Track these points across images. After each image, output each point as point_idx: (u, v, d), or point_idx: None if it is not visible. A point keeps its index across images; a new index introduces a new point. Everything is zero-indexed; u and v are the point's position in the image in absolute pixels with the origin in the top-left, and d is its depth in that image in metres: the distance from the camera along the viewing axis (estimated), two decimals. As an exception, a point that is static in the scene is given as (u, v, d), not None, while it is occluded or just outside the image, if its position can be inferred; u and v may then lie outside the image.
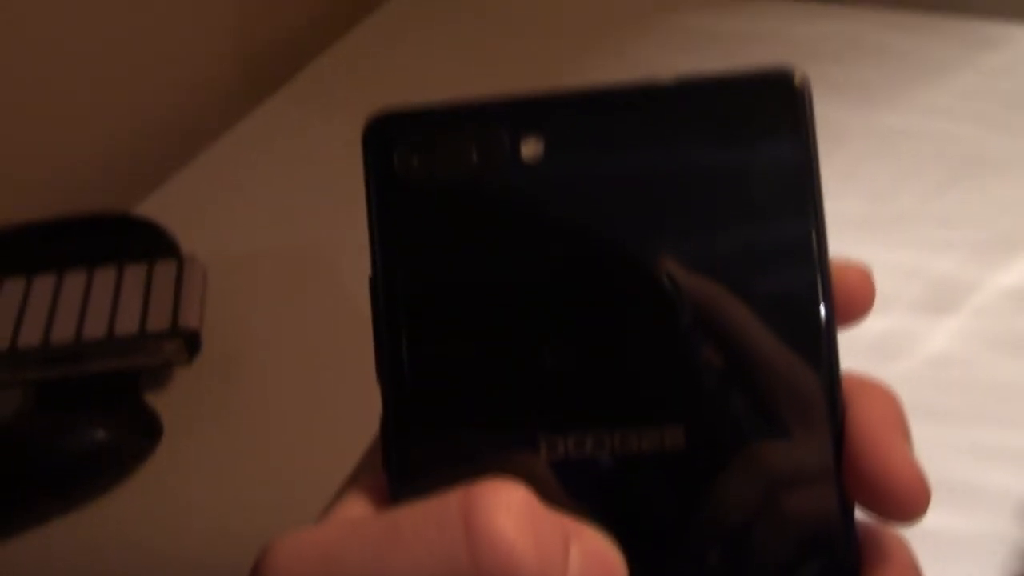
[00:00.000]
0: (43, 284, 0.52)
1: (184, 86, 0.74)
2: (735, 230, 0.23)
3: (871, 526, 0.23)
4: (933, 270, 0.52)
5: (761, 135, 0.23)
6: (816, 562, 0.23)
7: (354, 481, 0.24)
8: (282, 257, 0.58)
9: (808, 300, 0.23)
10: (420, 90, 0.69)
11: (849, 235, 0.55)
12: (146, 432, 0.48)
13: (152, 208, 0.61)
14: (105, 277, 0.52)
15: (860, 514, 0.23)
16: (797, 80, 0.24)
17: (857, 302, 0.24)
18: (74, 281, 0.52)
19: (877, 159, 0.59)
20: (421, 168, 0.24)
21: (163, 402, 0.49)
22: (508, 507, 0.19)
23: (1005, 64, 0.66)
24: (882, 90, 0.65)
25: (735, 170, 0.23)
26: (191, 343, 0.49)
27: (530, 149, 0.24)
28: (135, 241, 0.56)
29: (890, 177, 0.58)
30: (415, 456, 0.23)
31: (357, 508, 0.23)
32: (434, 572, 0.19)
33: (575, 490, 0.23)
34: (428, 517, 0.20)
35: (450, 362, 0.23)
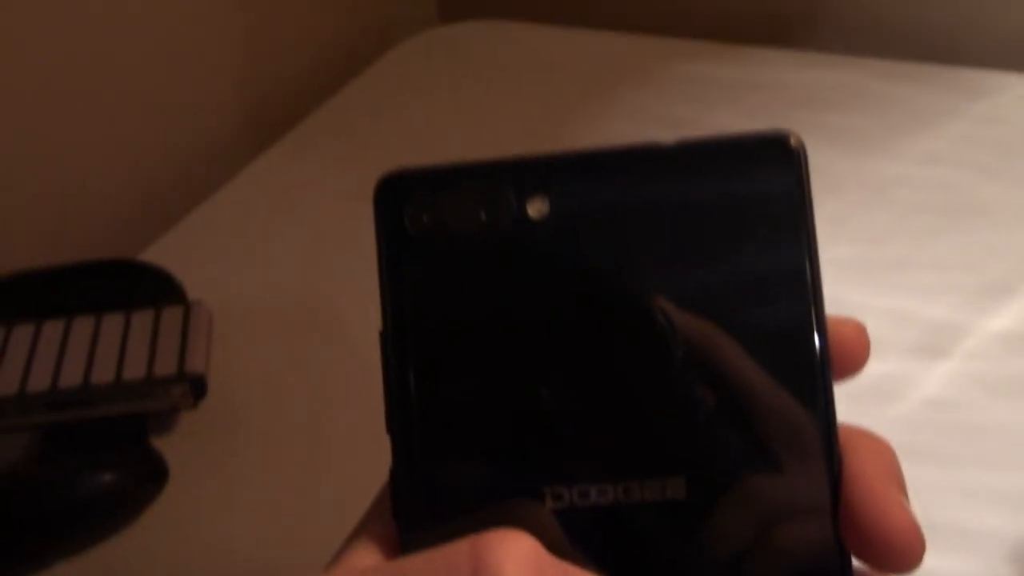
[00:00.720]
0: (52, 329, 0.53)
1: (189, 134, 0.75)
2: (735, 283, 0.24)
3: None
4: (926, 315, 0.52)
5: (759, 194, 0.24)
6: None
7: (363, 529, 0.24)
8: (287, 303, 0.59)
9: (805, 349, 0.24)
10: (420, 140, 0.71)
11: (844, 280, 0.56)
12: (152, 476, 0.48)
13: (158, 254, 0.62)
14: (113, 322, 0.53)
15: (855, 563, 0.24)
16: (793, 142, 0.24)
17: (853, 356, 0.24)
18: (82, 326, 0.53)
19: (871, 205, 0.60)
20: (431, 226, 0.25)
21: (169, 446, 0.50)
22: (516, 557, 0.20)
23: (997, 112, 0.67)
24: (877, 138, 0.66)
25: (734, 226, 0.24)
26: (197, 387, 0.50)
27: (536, 208, 0.24)
28: (142, 287, 0.57)
29: (884, 223, 0.59)
30: (424, 506, 0.24)
31: (366, 556, 0.23)
32: None
33: (579, 539, 0.23)
34: (437, 566, 0.20)
35: (458, 414, 0.24)
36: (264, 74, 0.80)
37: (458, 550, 0.20)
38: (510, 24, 0.85)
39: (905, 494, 0.23)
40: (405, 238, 0.25)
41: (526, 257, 0.24)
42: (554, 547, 0.21)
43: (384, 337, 0.25)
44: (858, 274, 0.55)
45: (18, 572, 0.46)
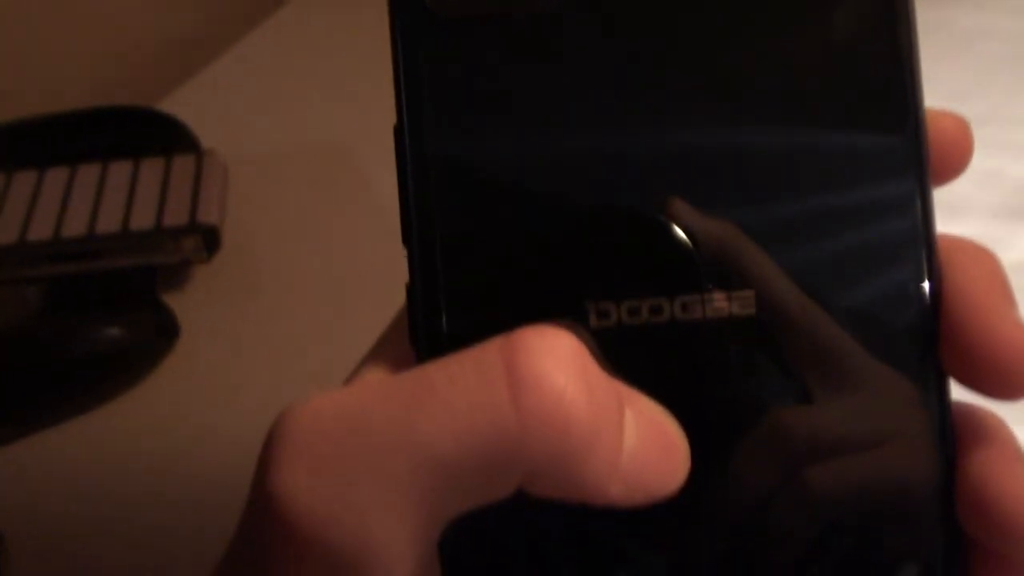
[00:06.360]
0: (55, 177, 0.49)
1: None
2: (817, 117, 0.20)
3: (965, 406, 0.21)
4: (1012, 174, 0.48)
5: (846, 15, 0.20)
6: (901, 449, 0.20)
7: (375, 354, 0.21)
8: (306, 154, 0.55)
9: (911, 221, 0.20)
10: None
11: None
12: (162, 331, 0.45)
13: (173, 106, 0.59)
14: (120, 171, 0.50)
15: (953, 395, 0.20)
16: None
17: (953, 154, 0.21)
18: (88, 174, 0.49)
19: (952, 60, 0.55)
20: (456, 2, 0.20)
21: (181, 301, 0.47)
22: (555, 352, 0.17)
23: (1089, -38, 0.61)
24: (956, -11, 0.60)
25: (821, 59, 0.20)
26: (210, 239, 0.47)
27: None
28: (153, 136, 0.53)
29: (965, 78, 0.54)
30: (446, 326, 0.20)
31: (380, 377, 0.20)
32: (473, 428, 0.16)
33: (627, 363, 0.19)
34: (464, 367, 0.17)
35: (485, 220, 0.20)
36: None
37: (488, 348, 0.17)
38: None
39: (1015, 307, 0.20)
40: (425, 18, 0.20)
41: (575, 40, 0.20)
42: None
43: (399, 133, 0.20)
44: (937, 131, 0.50)
45: (25, 429, 0.43)
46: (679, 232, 0.20)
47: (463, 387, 0.16)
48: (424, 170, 0.20)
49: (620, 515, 0.18)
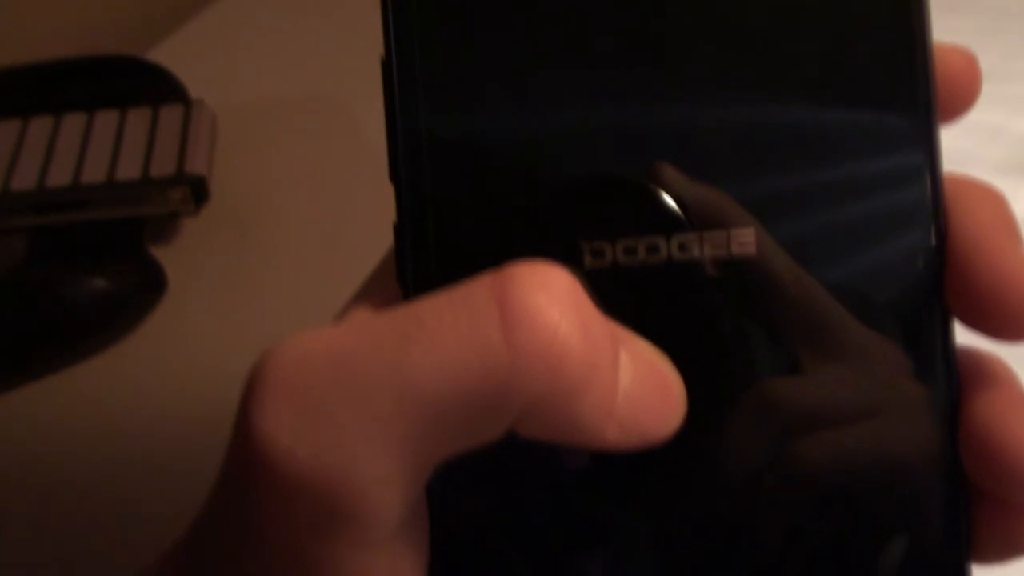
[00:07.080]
0: (39, 126, 0.48)
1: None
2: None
3: (970, 351, 0.20)
4: (1016, 129, 0.47)
5: None
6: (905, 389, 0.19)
7: (363, 294, 0.20)
8: (294, 105, 0.54)
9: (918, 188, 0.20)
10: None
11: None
12: (149, 284, 0.44)
13: (161, 55, 0.57)
14: (106, 120, 0.48)
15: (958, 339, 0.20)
16: None
17: (961, 90, 0.21)
18: (73, 124, 0.48)
19: (957, 13, 0.54)
20: None
21: (168, 253, 0.46)
22: (549, 287, 0.16)
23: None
24: (962, -59, 0.59)
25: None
26: (198, 191, 0.45)
27: None
28: (140, 85, 0.52)
29: (972, 32, 0.52)
30: (434, 264, 0.19)
31: (367, 315, 0.19)
32: (464, 365, 0.16)
33: (622, 305, 0.19)
34: (454, 303, 0.16)
35: (474, 155, 0.19)
36: None
37: (479, 283, 0.16)
38: None
39: (1021, 245, 0.19)
40: None
41: None
42: None
43: (386, 66, 0.20)
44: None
45: (10, 382, 0.43)
46: (673, 176, 0.19)
47: (452, 323, 0.16)
48: (412, 104, 0.19)
49: (610, 470, 0.18)
